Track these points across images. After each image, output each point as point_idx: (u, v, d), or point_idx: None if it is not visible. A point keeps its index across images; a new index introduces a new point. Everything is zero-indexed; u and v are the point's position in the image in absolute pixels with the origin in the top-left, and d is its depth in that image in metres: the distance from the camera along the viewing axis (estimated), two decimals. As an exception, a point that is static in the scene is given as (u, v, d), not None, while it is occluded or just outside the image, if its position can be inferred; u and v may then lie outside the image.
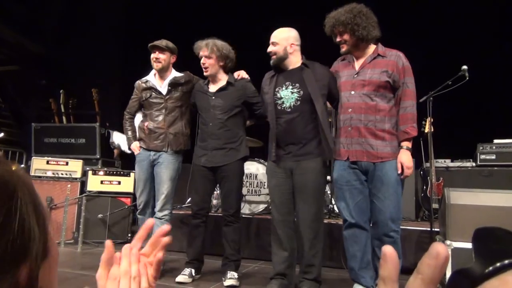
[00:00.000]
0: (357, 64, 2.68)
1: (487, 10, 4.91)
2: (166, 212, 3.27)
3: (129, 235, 4.58)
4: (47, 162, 4.73)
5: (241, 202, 3.35)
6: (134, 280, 0.59)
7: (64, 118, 5.99)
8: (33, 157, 4.85)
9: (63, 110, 5.98)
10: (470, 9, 4.97)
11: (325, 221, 3.98)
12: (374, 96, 2.58)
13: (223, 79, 3.15)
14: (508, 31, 4.89)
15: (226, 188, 3.12)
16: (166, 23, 6.17)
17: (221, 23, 5.95)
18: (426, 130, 3.94)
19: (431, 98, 3.42)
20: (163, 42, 3.29)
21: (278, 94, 2.78)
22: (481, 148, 4.56)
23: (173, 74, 3.35)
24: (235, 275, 3.03)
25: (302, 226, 2.70)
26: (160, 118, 3.28)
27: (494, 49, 4.91)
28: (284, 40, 2.78)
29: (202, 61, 3.08)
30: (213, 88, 3.16)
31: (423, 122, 4.00)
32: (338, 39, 2.64)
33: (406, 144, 2.58)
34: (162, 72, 3.31)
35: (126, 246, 0.63)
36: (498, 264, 0.28)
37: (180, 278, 3.01)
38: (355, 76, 2.64)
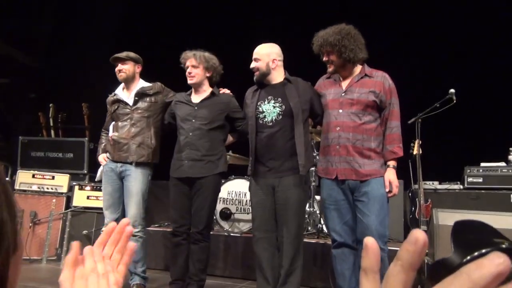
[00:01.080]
0: (344, 83, 2.71)
1: (476, 33, 5.05)
2: (138, 228, 3.11)
3: (114, 252, 4.48)
4: (33, 176, 4.65)
5: (212, 219, 3.22)
6: (102, 276, 0.57)
7: (52, 132, 5.93)
8: (18, 171, 4.76)
9: (51, 124, 5.92)
10: (459, 31, 5.11)
11: (314, 241, 3.95)
12: (362, 115, 2.60)
13: (207, 90, 3.09)
14: (497, 55, 5.02)
15: (198, 202, 2.98)
16: (158, 37, 6.22)
17: (213, 32, 6.02)
18: (415, 152, 3.97)
19: (420, 120, 3.47)
20: (123, 53, 3.29)
21: (260, 108, 2.77)
22: (468, 171, 4.61)
23: (141, 84, 3.31)
24: None
25: (284, 243, 2.66)
26: (125, 128, 3.22)
27: (482, 73, 5.03)
28: (266, 56, 2.78)
29: (188, 70, 3.02)
30: (196, 98, 3.09)
31: (412, 144, 4.04)
32: (325, 59, 2.67)
33: (393, 163, 2.62)
34: (128, 83, 3.29)
35: (87, 247, 0.62)
36: (475, 254, 0.30)
37: None
38: (342, 94, 2.66)
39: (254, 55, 2.82)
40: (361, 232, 2.56)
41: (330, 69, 2.68)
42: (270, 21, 5.73)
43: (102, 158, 3.33)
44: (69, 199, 4.55)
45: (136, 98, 3.26)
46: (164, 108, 3.29)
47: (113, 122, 3.36)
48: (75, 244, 0.60)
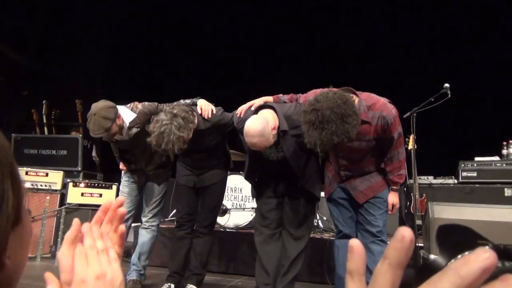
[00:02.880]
0: None
1: (470, 29, 5.07)
2: (156, 222, 3.30)
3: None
4: (26, 173, 4.60)
5: (216, 217, 3.34)
6: (102, 252, 0.57)
7: (46, 129, 5.88)
8: (11, 168, 4.72)
9: (45, 121, 5.87)
10: (453, 27, 5.13)
11: (310, 236, 3.95)
12: (365, 157, 2.58)
13: None
14: (491, 50, 5.05)
15: (206, 202, 3.08)
16: (151, 34, 6.19)
17: (206, 41, 6.00)
18: (410, 147, 3.99)
19: (415, 115, 3.48)
20: (100, 129, 2.81)
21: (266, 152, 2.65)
22: (462, 165, 4.63)
23: (126, 121, 3.04)
24: None
25: (289, 239, 2.77)
26: (136, 161, 3.23)
27: (477, 67, 5.06)
28: (269, 136, 2.44)
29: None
30: None
31: (406, 139, 4.06)
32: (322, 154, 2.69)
33: (395, 187, 2.64)
34: (119, 135, 3.09)
35: (86, 224, 0.61)
36: (459, 256, 0.31)
37: None
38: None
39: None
40: (362, 227, 2.64)
41: (322, 155, 2.73)
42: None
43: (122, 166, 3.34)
44: (63, 196, 4.51)
45: (130, 133, 3.06)
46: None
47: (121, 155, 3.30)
48: (75, 221, 0.59)
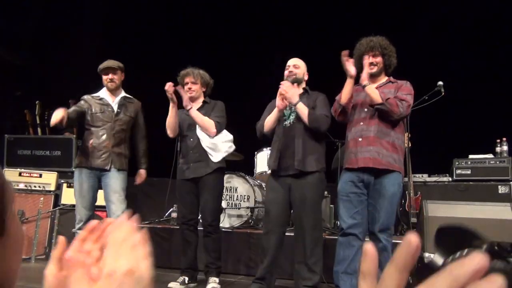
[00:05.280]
0: None
1: (464, 27, 5.09)
2: None
3: (104, 250, 4.44)
4: (20, 174, 4.56)
5: (220, 212, 3.49)
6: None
7: (39, 130, 5.83)
8: (4, 169, 4.68)
9: (38, 121, 5.82)
10: (447, 24, 5.15)
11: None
12: (382, 116, 2.77)
13: (200, 101, 3.47)
14: (485, 47, 5.07)
15: (204, 198, 3.29)
16: (144, 34, 6.16)
17: (200, 37, 5.98)
18: (404, 145, 4.01)
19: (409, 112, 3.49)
20: (114, 63, 3.46)
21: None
22: (456, 163, 4.66)
23: (123, 93, 3.53)
24: (217, 280, 3.25)
25: (303, 237, 2.89)
26: (104, 137, 3.33)
27: (470, 65, 5.08)
28: (304, 67, 3.14)
29: (188, 85, 3.39)
30: (196, 106, 3.42)
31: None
32: (371, 60, 2.84)
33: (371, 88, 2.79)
34: (115, 91, 3.48)
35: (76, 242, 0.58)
36: (457, 254, 0.34)
37: (172, 284, 3.15)
38: (367, 96, 2.81)
39: (294, 62, 3.12)
40: (370, 224, 2.75)
41: (374, 70, 2.85)
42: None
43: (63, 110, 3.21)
44: (57, 197, 4.48)
45: (119, 106, 3.44)
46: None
47: (86, 125, 3.40)
48: (61, 239, 0.58)
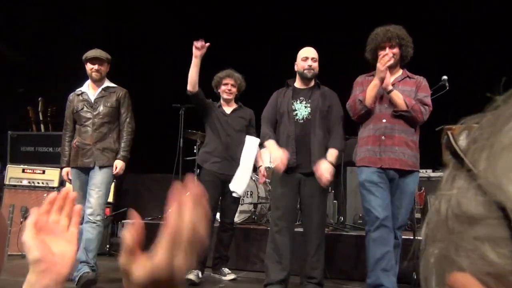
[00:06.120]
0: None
1: (469, 20, 5.04)
2: (98, 218, 3.20)
3: (107, 246, 4.45)
4: (23, 171, 4.57)
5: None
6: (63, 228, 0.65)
7: (42, 126, 5.83)
8: (8, 165, 4.68)
9: (41, 118, 5.83)
10: (452, 18, 5.10)
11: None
12: (404, 113, 2.69)
13: (233, 103, 3.68)
14: (490, 40, 5.03)
15: (231, 199, 3.46)
16: (145, 31, 6.14)
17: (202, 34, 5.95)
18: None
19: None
20: (103, 54, 3.40)
21: (292, 106, 2.97)
22: (461, 158, 4.63)
23: (107, 83, 3.47)
24: (228, 270, 3.57)
25: (310, 232, 2.89)
26: (87, 134, 3.32)
27: (475, 59, 5.04)
28: (317, 60, 3.05)
29: (228, 87, 3.57)
30: (228, 109, 3.63)
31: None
32: (387, 51, 2.71)
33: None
34: (98, 82, 3.43)
35: (44, 205, 0.69)
36: None
37: (190, 275, 3.26)
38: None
39: (313, 55, 3.01)
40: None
41: (391, 62, 2.67)
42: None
43: (65, 173, 3.43)
44: (60, 193, 4.48)
45: (98, 98, 3.38)
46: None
47: (77, 127, 3.42)
48: (33, 210, 0.66)
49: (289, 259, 2.85)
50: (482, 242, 0.24)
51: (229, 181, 3.35)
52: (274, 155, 2.80)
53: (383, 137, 2.67)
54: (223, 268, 3.55)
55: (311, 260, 2.85)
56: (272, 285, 2.81)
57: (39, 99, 5.85)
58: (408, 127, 2.69)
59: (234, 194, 3.37)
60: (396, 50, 2.72)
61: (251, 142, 3.43)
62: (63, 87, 5.96)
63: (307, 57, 2.99)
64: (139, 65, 6.21)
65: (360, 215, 4.72)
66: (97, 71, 3.36)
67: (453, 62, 4.91)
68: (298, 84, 3.06)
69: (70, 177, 3.40)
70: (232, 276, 3.50)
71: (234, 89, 3.59)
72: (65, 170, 3.43)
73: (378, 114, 2.72)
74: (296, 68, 3.07)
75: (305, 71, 2.97)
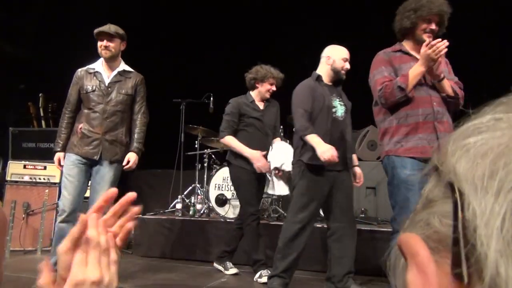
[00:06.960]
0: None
1: (471, 18, 5.01)
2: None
3: (110, 241, 4.45)
4: (24, 167, 4.57)
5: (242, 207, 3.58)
6: (103, 253, 0.54)
7: (43, 122, 5.83)
8: (9, 161, 4.69)
9: (42, 114, 5.82)
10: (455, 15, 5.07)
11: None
12: (446, 101, 2.43)
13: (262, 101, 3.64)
14: (495, 37, 4.99)
15: (261, 194, 3.55)
16: (149, 28, 6.11)
17: (208, 31, 5.93)
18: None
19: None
20: (111, 28, 3.01)
21: (333, 103, 2.91)
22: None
23: (123, 65, 3.10)
24: (231, 264, 3.62)
25: (347, 233, 2.86)
26: (96, 121, 2.94)
27: (478, 56, 5.01)
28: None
29: (273, 88, 3.53)
30: (261, 105, 3.59)
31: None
32: (431, 27, 2.40)
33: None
34: (111, 62, 3.04)
35: (93, 216, 0.58)
36: None
37: (233, 271, 3.50)
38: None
39: (348, 56, 2.94)
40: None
41: (430, 38, 2.35)
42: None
43: (56, 159, 2.97)
44: (62, 189, 4.49)
45: (113, 82, 3.01)
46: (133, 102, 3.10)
47: (82, 109, 3.02)
48: (82, 218, 0.56)
49: (301, 252, 2.79)
50: (433, 216, 0.30)
51: (262, 178, 3.44)
52: (322, 149, 2.61)
53: (436, 122, 2.33)
54: (227, 262, 3.59)
55: (352, 255, 2.82)
56: (277, 277, 2.78)
57: (40, 95, 5.84)
58: (448, 109, 2.41)
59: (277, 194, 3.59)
60: (436, 27, 2.39)
61: (281, 146, 3.51)
62: (64, 83, 5.97)
63: (347, 59, 2.92)
64: (139, 60, 6.19)
65: (363, 209, 4.72)
66: (106, 47, 2.97)
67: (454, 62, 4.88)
68: (326, 80, 2.96)
69: (62, 164, 2.95)
70: (234, 271, 3.53)
71: (274, 89, 3.55)
72: (58, 155, 2.96)
73: (425, 96, 2.36)
74: (328, 63, 2.92)
75: (343, 72, 2.92)
